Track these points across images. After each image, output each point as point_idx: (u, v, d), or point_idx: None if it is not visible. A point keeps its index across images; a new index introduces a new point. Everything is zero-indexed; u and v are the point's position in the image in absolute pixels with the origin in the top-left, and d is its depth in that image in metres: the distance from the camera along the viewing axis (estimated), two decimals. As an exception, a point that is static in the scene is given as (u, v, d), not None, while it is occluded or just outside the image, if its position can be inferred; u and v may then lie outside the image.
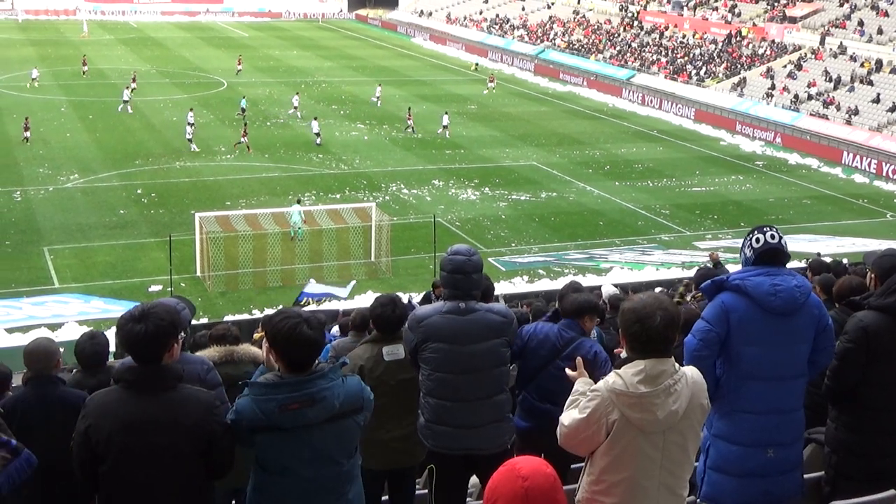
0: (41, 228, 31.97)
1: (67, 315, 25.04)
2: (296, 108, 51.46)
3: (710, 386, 5.18)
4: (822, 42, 61.67)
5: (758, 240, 5.31)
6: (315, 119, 46.60)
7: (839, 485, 5.78)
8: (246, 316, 24.68)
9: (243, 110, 51.11)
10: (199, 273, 28.51)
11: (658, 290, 19.93)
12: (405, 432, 6.34)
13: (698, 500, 5.43)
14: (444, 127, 48.89)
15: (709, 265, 19.99)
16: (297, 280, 27.98)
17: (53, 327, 23.32)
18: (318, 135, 45.17)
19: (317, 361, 4.44)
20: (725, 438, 5.29)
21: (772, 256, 5.29)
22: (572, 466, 6.36)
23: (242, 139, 43.37)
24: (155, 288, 26.83)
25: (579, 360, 4.95)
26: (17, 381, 10.70)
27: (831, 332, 5.46)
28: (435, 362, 5.90)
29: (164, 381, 4.39)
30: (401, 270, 29.66)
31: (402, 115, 51.36)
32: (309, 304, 24.49)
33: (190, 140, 43.08)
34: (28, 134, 43.07)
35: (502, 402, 6.09)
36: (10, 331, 23.54)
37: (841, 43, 60.35)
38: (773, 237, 5.30)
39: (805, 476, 5.69)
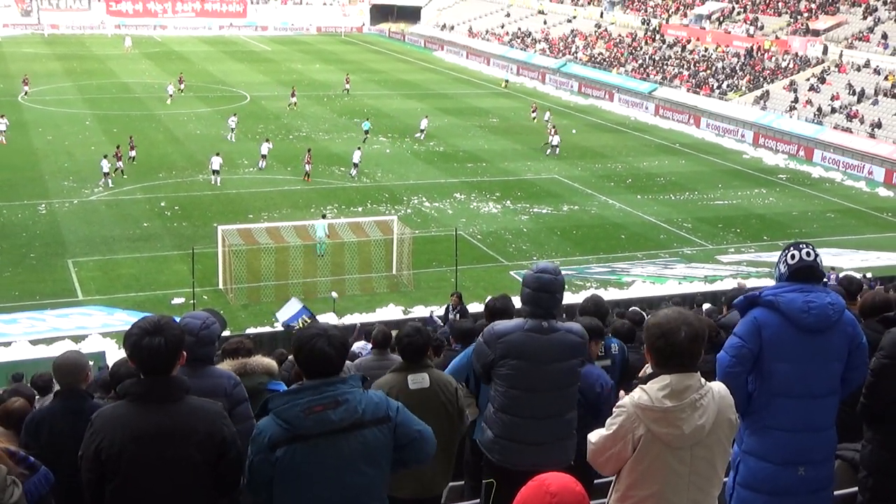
0: (65, 241, 32.22)
1: (91, 327, 25.20)
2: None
3: (741, 402, 5.13)
4: (824, 52, 61.39)
5: (793, 256, 5.26)
6: (358, 149, 43.43)
7: None
8: (268, 329, 24.76)
9: (367, 132, 50.19)
10: (221, 286, 28.63)
11: (707, 306, 19.78)
12: (431, 462, 6.30)
13: None
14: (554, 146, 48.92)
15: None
16: (319, 293, 28.04)
17: (77, 339, 23.47)
18: (355, 165, 42.44)
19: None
20: (756, 455, 5.23)
21: (806, 274, 5.24)
22: (595, 482, 6.33)
23: (306, 165, 41.53)
24: (178, 300, 26.96)
25: (622, 393, 4.94)
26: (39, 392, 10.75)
27: (865, 349, 5.39)
28: (512, 379, 5.90)
29: (173, 392, 4.40)
30: (422, 284, 29.67)
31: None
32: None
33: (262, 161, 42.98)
34: (133, 153, 42.59)
35: (572, 419, 6.10)
36: (34, 342, 23.71)
37: (853, 56, 60.19)
38: (808, 254, 5.25)
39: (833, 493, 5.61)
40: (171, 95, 59.61)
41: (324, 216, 33.40)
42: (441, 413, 6.28)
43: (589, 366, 6.96)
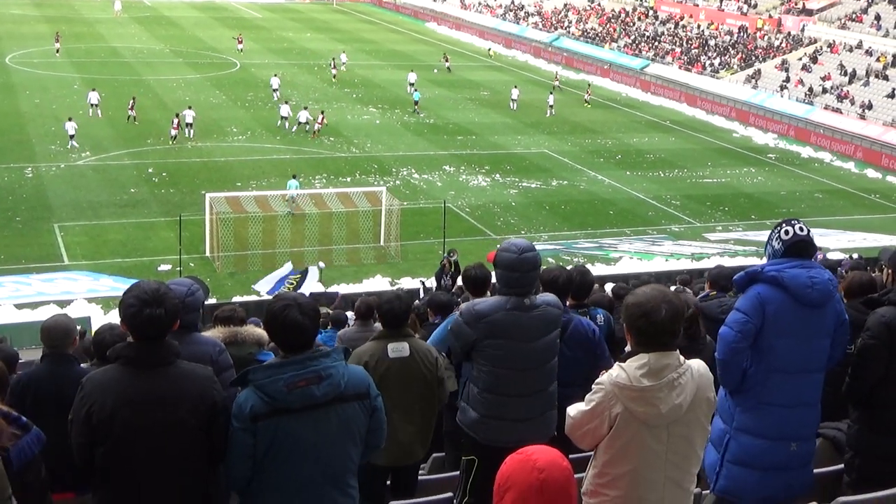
0: (52, 205, 32.04)
1: (76, 292, 25.12)
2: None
3: (736, 379, 5.19)
4: (816, 32, 61.34)
5: (787, 232, 5.30)
6: (305, 108, 45.27)
7: (861, 487, 5.70)
8: (254, 297, 24.73)
9: (416, 103, 51.13)
10: (208, 253, 28.56)
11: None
12: (410, 429, 6.33)
13: (713, 493, 5.42)
14: (550, 106, 52.33)
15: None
16: (305, 263, 27.99)
17: (62, 304, 23.39)
18: (299, 123, 44.45)
19: (315, 345, 4.42)
20: (750, 432, 5.26)
21: (801, 249, 5.29)
22: (570, 456, 6.33)
23: (318, 125, 43.50)
24: (164, 267, 26.88)
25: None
26: (24, 356, 10.70)
27: (847, 326, 5.46)
28: (496, 359, 5.81)
29: (165, 356, 4.36)
30: (410, 255, 29.65)
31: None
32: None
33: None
34: (133, 112, 43.76)
35: (554, 391, 6.06)
36: (19, 306, 23.65)
37: (846, 36, 60.25)
38: (801, 229, 5.30)
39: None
40: (339, 67, 60.36)
41: (294, 177, 33.24)
42: (421, 382, 6.31)
43: (576, 317, 6.97)
